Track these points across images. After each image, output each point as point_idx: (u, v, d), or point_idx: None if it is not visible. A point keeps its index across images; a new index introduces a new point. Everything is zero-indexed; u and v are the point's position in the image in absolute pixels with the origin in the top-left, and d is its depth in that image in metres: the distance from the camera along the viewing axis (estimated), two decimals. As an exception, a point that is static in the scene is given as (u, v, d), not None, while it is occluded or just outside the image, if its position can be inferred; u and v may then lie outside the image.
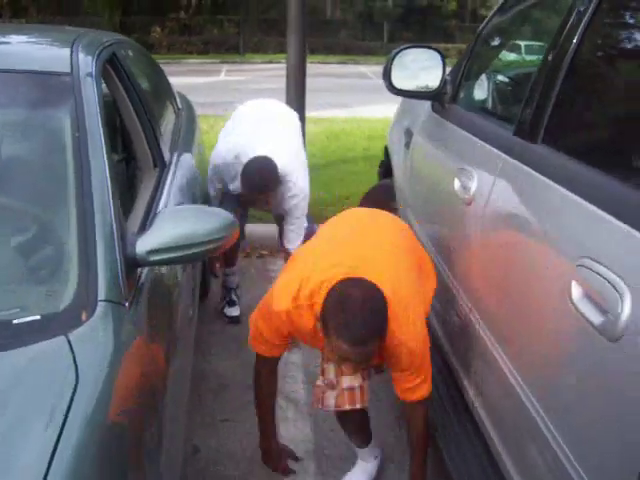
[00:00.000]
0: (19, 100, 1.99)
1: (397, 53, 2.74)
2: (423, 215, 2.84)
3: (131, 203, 2.27)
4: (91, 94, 1.98)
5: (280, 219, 3.79)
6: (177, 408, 1.89)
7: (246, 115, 3.74)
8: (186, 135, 3.48)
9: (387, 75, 2.72)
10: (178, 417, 1.91)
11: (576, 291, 1.39)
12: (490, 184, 2.00)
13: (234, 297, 3.89)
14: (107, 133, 1.92)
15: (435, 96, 2.79)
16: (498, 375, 1.82)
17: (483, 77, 2.74)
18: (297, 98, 6.30)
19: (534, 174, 1.74)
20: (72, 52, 2.13)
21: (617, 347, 1.24)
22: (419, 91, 2.81)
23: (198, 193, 3.27)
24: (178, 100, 3.89)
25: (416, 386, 2.18)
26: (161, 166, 2.60)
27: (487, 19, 2.77)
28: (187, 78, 17.22)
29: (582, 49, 1.74)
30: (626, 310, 1.21)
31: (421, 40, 27.32)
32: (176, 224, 1.75)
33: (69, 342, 1.39)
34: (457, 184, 2.27)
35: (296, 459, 2.68)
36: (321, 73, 18.81)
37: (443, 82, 2.75)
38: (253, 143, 3.33)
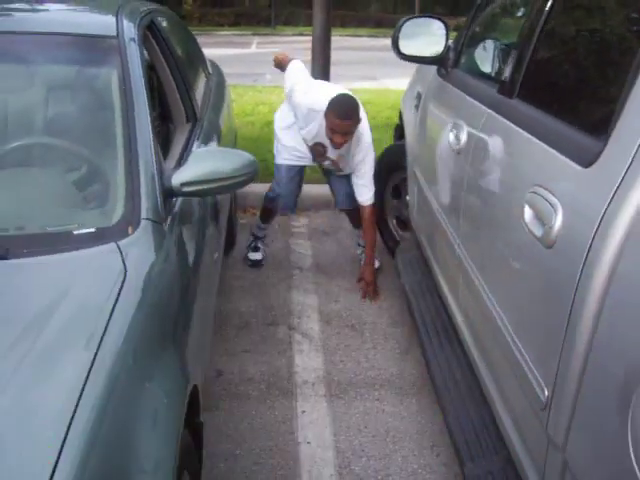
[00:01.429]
0: (74, 59, 2.34)
1: (404, 22, 3.04)
2: (426, 170, 3.16)
3: (168, 149, 2.62)
4: (134, 55, 2.32)
5: (335, 179, 4.04)
6: (203, 329, 2.24)
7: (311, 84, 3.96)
8: (216, 96, 3.83)
9: (395, 42, 3.03)
10: (204, 338, 2.27)
11: (527, 212, 1.71)
12: (475, 134, 2.32)
13: (259, 245, 4.24)
14: (148, 89, 2.26)
15: (439, 61, 3.10)
16: (475, 294, 2.15)
17: (481, 43, 3.04)
18: (322, 70, 6.60)
19: (506, 123, 2.05)
20: (117, 18, 2.47)
21: (551, 252, 1.57)
22: (424, 56, 3.12)
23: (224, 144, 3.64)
24: (209, 66, 4.23)
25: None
26: (193, 121, 2.95)
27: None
28: (218, 50, 17.54)
29: (551, 17, 2.04)
30: (558, 222, 1.54)
31: (452, 14, 27.28)
32: (205, 162, 2.10)
33: (118, 247, 1.75)
34: (451, 137, 2.58)
35: None
36: (351, 46, 19.01)
37: (447, 48, 3.05)
38: (326, 91, 3.63)
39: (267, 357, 3.27)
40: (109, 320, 1.49)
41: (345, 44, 19.42)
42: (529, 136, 1.86)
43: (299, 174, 4.05)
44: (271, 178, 5.39)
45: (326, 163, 3.89)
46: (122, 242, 1.78)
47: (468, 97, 2.59)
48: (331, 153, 3.74)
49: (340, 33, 23.33)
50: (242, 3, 29.27)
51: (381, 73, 13.39)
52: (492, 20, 3.19)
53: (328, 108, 3.44)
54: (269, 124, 7.40)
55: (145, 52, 2.84)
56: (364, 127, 3.66)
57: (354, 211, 3.98)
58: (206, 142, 2.85)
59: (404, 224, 4.24)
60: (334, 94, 3.53)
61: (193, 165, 2.09)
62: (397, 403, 2.96)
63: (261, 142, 6.63)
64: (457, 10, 27.97)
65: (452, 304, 2.61)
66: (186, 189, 2.06)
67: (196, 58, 4.01)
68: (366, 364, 3.25)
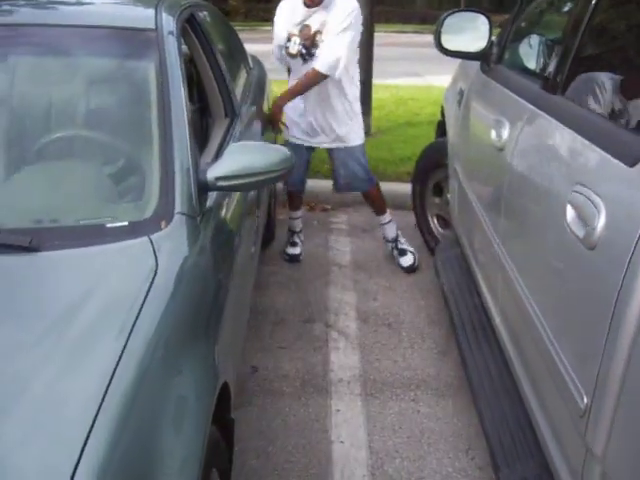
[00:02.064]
0: (113, 52, 2.34)
1: (447, 17, 2.99)
2: (467, 167, 3.10)
3: (205, 143, 2.61)
4: (173, 48, 2.31)
5: (336, 160, 4.00)
6: (238, 325, 2.23)
7: None
8: (256, 91, 3.81)
9: (437, 37, 2.98)
10: (238, 334, 2.26)
11: (569, 212, 1.66)
12: (518, 131, 2.26)
13: (296, 239, 4.24)
14: (186, 82, 2.25)
15: (482, 57, 3.03)
16: (515, 295, 2.10)
17: (525, 38, 2.97)
18: (365, 64, 6.55)
19: (550, 119, 1.99)
20: (156, 12, 2.46)
21: (594, 254, 1.51)
22: (467, 52, 3.06)
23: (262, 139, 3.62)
24: (250, 61, 4.21)
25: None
26: (231, 116, 2.93)
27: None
28: (262, 45, 17.55)
29: (597, 11, 1.97)
30: (601, 222, 1.48)
31: (498, 10, 26.90)
32: (241, 156, 2.08)
33: (151, 241, 1.74)
34: (493, 133, 2.52)
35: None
36: (395, 42, 18.89)
37: (490, 44, 2.98)
38: None
39: (302, 354, 3.25)
40: (139, 313, 1.48)
41: (389, 40, 19.29)
42: (572, 133, 1.80)
43: (307, 153, 4.00)
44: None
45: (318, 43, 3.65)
46: (154, 236, 1.76)
47: (511, 93, 2.53)
48: (313, 23, 3.62)
49: (385, 29, 23.21)
50: (288, -1, 29.23)
51: (425, 69, 13.27)
52: (537, 15, 3.12)
53: None
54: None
55: (185, 46, 2.85)
56: None
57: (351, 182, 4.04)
58: (244, 137, 2.83)
59: (445, 222, 4.18)
60: None
61: (228, 159, 2.07)
62: (433, 404, 2.91)
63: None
64: (503, 7, 27.60)
65: (491, 304, 2.55)
66: (221, 183, 2.04)
67: (237, 52, 4.00)
68: (403, 364, 3.20)
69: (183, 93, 2.18)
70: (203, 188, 2.03)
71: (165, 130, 2.04)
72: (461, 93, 3.49)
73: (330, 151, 3.98)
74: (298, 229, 4.29)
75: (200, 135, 2.89)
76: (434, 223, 4.27)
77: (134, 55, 2.33)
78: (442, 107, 4.19)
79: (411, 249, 4.14)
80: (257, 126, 3.23)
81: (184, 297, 1.68)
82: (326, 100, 3.72)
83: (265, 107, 3.87)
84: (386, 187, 5.24)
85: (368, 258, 4.31)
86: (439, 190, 4.23)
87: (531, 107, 2.21)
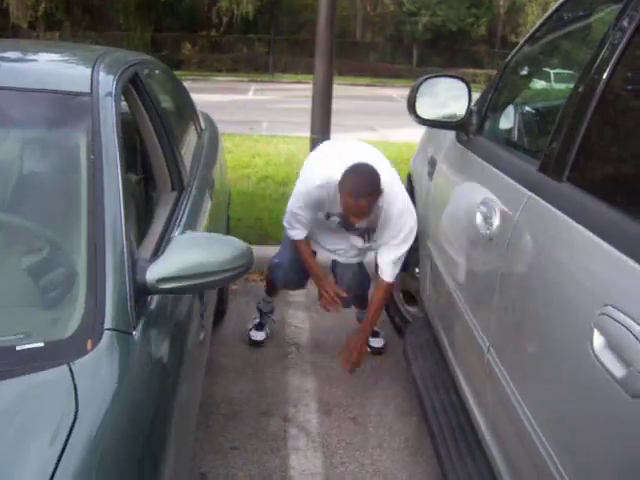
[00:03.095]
0: (37, 120, 1.97)
1: (422, 82, 2.70)
2: (443, 248, 2.79)
3: (146, 226, 2.24)
4: (109, 115, 1.95)
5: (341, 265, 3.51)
6: (183, 439, 1.84)
7: (327, 148, 3.46)
8: (208, 157, 3.46)
9: (412, 105, 2.68)
10: (184, 448, 1.86)
11: (598, 340, 1.33)
12: (512, 221, 1.95)
13: (265, 321, 3.83)
14: (124, 155, 1.89)
15: (460, 126, 2.75)
16: (514, 418, 1.76)
17: (509, 108, 2.69)
18: (322, 120, 6.28)
19: (558, 214, 1.68)
20: (93, 72, 2.11)
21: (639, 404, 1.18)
22: (444, 121, 2.77)
23: (218, 216, 3.25)
24: (201, 120, 3.87)
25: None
26: (179, 189, 2.57)
27: (516, 48, 2.72)
28: (215, 95, 17.39)
29: (614, 82, 1.69)
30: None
31: (450, 65, 27.39)
32: (188, 252, 1.71)
33: (71, 372, 1.35)
34: (479, 218, 2.21)
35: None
36: (349, 95, 18.89)
37: (469, 112, 2.70)
38: (342, 160, 2.97)
39: (258, 456, 2.85)
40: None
41: (344, 92, 19.28)
42: (592, 237, 1.48)
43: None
44: (267, 241, 5.04)
45: (357, 227, 3.22)
46: (77, 363, 1.38)
47: (498, 172, 2.23)
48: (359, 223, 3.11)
49: (339, 82, 23.29)
50: (240, 49, 29.32)
51: (379, 123, 13.19)
52: (527, 78, 2.85)
53: (340, 183, 2.89)
54: (265, 178, 7.09)
55: (127, 109, 2.50)
56: (392, 195, 3.01)
57: (360, 294, 3.59)
58: (192, 215, 2.47)
59: (412, 298, 3.86)
60: (350, 160, 2.94)
61: (173, 256, 1.70)
62: (408, 522, 2.54)
63: (257, 198, 6.30)
64: (454, 62, 28.09)
65: (477, 415, 2.21)
66: (164, 286, 1.67)
67: (187, 113, 3.66)
68: (370, 468, 2.83)
69: (119, 170, 1.81)
70: (142, 292, 1.66)
71: (95, 218, 1.67)
72: (432, 163, 3.20)
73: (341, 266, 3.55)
74: (268, 310, 3.85)
75: (143, 213, 2.52)
76: (400, 299, 3.94)
77: (64, 123, 1.97)
78: (409, 174, 3.89)
79: (380, 330, 3.79)
80: (207, 200, 2.87)
81: (111, 450, 1.29)
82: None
83: (218, 173, 3.51)
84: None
85: (329, 336, 3.94)
86: (405, 263, 3.90)
87: (528, 193, 1.91)
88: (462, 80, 2.72)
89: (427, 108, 2.71)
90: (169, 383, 1.69)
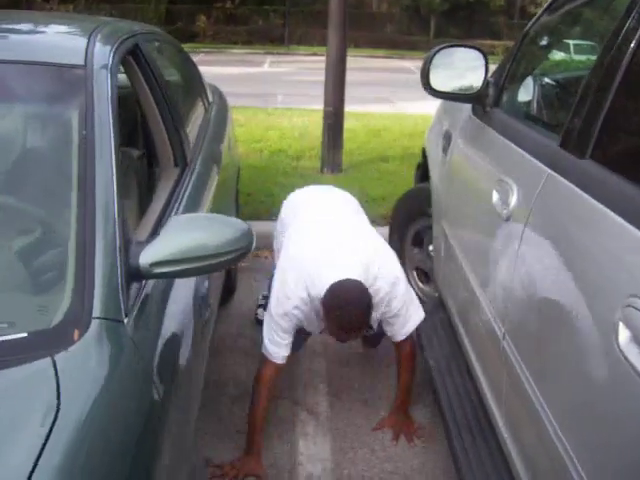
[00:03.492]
0: (27, 94, 1.87)
1: (436, 52, 2.56)
2: (458, 228, 2.67)
3: (146, 205, 2.15)
4: (104, 89, 1.84)
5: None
6: (182, 431, 1.75)
7: (301, 217, 2.96)
8: (215, 131, 3.34)
9: (425, 76, 2.55)
10: (183, 440, 1.78)
11: (623, 334, 1.22)
12: (531, 201, 1.83)
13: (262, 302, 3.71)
14: (120, 131, 1.79)
15: (476, 99, 2.61)
16: (530, 411, 1.65)
17: (528, 79, 2.55)
18: (336, 93, 6.17)
19: (580, 193, 1.56)
20: (89, 43, 2.00)
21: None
22: (459, 93, 2.64)
23: (224, 192, 3.14)
24: (209, 93, 3.75)
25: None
26: (182, 165, 2.47)
27: (535, 17, 2.58)
28: (230, 68, 17.20)
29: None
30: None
31: (468, 36, 26.93)
32: (184, 234, 1.61)
33: (54, 365, 1.26)
34: (495, 197, 2.10)
35: None
36: (365, 67, 18.63)
37: (485, 84, 2.57)
38: (321, 267, 2.52)
39: (266, 441, 2.76)
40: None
41: (361, 64, 19.07)
42: (617, 219, 1.37)
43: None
44: (275, 216, 4.95)
45: None
46: (61, 356, 1.29)
47: (516, 147, 2.10)
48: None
49: (355, 53, 22.99)
50: (256, 21, 28.98)
51: (396, 96, 12.98)
52: (546, 49, 2.70)
53: (325, 310, 2.47)
54: (278, 152, 6.97)
55: (130, 83, 2.40)
56: (384, 274, 2.60)
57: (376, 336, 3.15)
58: (195, 192, 2.36)
59: (426, 276, 3.75)
60: (330, 273, 2.47)
61: (167, 238, 1.60)
62: (419, 509, 2.46)
63: (268, 172, 6.18)
64: (472, 33, 27.62)
65: (491, 403, 2.11)
66: (158, 270, 1.57)
67: (193, 86, 3.54)
68: (382, 453, 2.74)
69: (113, 147, 1.71)
70: (135, 277, 1.57)
71: (85, 197, 1.58)
72: (447, 137, 3.06)
73: None
74: None
75: (142, 191, 2.42)
76: (413, 276, 3.83)
77: (55, 97, 1.87)
78: (424, 149, 3.76)
79: None
80: (213, 176, 2.76)
81: (99, 448, 1.20)
82: None
83: (225, 148, 3.39)
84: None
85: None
86: (419, 240, 3.80)
87: (548, 171, 1.78)
88: (478, 50, 2.58)
89: (441, 80, 2.58)
90: (165, 373, 1.60)
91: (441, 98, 2.72)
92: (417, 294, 3.76)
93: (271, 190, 5.62)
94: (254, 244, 1.70)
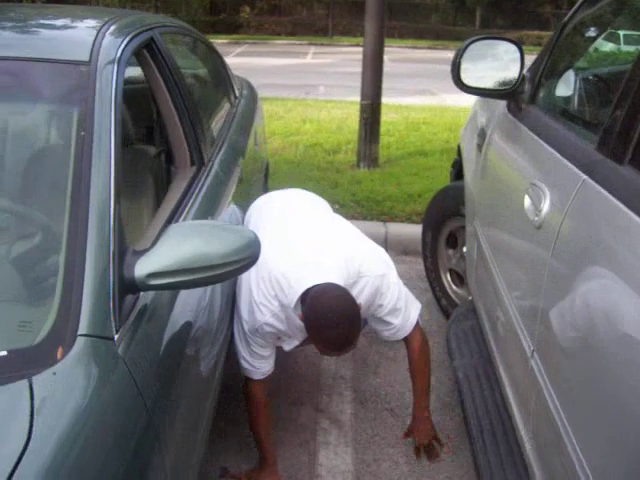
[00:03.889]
0: (27, 93, 1.77)
1: (468, 45, 2.40)
2: (490, 231, 2.51)
3: (155, 208, 2.05)
4: (108, 87, 1.74)
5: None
6: (186, 455, 1.65)
7: (264, 217, 2.67)
8: (240, 127, 3.23)
9: (455, 70, 2.40)
10: (187, 465, 1.67)
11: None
12: (564, 209, 1.67)
13: None
14: (121, 132, 1.69)
15: (510, 95, 2.45)
16: (557, 441, 1.51)
17: (568, 74, 2.38)
18: (373, 85, 6.02)
19: (616, 203, 1.40)
20: (97, 38, 1.90)
21: None
22: (492, 89, 2.47)
23: (248, 191, 3.03)
24: (236, 87, 3.63)
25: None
26: (199, 164, 2.37)
27: (576, 5, 2.40)
28: (273, 59, 17.08)
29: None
30: None
31: (514, 27, 26.43)
32: (185, 242, 1.50)
33: (31, 389, 1.17)
34: (527, 202, 1.94)
35: None
36: (408, 58, 18.38)
37: (521, 79, 2.41)
38: (290, 270, 2.23)
39: (285, 450, 2.66)
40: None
41: (404, 55, 18.86)
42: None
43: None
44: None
45: None
46: (39, 377, 1.19)
47: (551, 149, 1.94)
48: None
49: (399, 44, 22.72)
50: (299, 12, 28.87)
51: (439, 87, 12.73)
52: (590, 40, 2.51)
53: (308, 332, 2.18)
54: (314, 146, 6.85)
55: (145, 78, 2.30)
56: (363, 271, 2.33)
57: None
58: (211, 193, 2.26)
59: (460, 278, 3.60)
60: (302, 276, 2.18)
61: (167, 247, 1.49)
62: (443, 531, 2.33)
63: (303, 167, 6.08)
64: (519, 24, 27.10)
65: (519, 423, 1.96)
66: (155, 282, 1.46)
67: (218, 80, 3.43)
68: (405, 467, 2.61)
69: (112, 149, 1.61)
70: (128, 289, 1.46)
71: (78, 202, 1.48)
72: (482, 135, 2.90)
73: None
74: None
75: (153, 192, 2.32)
76: (447, 279, 3.69)
77: (55, 96, 1.76)
78: (458, 146, 3.60)
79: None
80: (233, 175, 2.65)
81: None
82: None
83: (251, 145, 3.28)
84: (393, 229, 4.71)
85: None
86: (454, 240, 3.65)
87: (584, 177, 1.63)
88: (514, 42, 2.42)
89: (473, 74, 2.42)
90: (163, 397, 1.49)
91: (473, 94, 2.56)
92: (451, 297, 3.65)
93: (306, 185, 5.49)
94: (259, 254, 1.58)
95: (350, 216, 4.84)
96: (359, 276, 2.32)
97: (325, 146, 6.85)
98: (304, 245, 2.35)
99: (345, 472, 2.57)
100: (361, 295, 2.32)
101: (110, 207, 1.50)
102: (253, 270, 2.04)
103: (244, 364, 2.40)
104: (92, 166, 1.54)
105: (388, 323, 2.49)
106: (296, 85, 12.38)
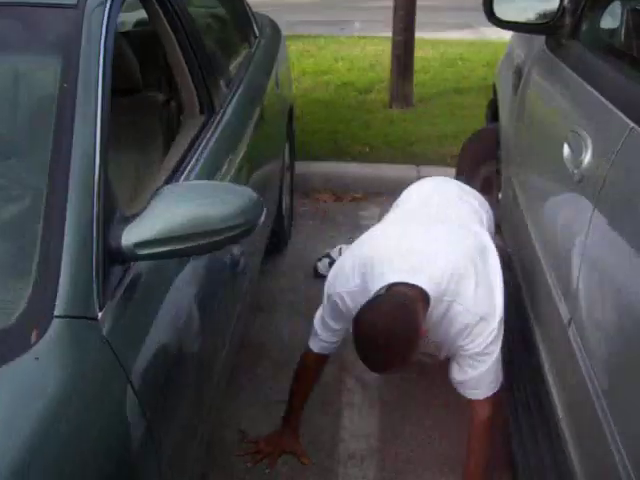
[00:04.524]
0: (11, 39, 1.61)
1: (502, -26, 2.17)
2: (525, 180, 2.31)
3: (159, 165, 1.89)
4: (96, 33, 1.57)
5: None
6: (185, 444, 1.53)
7: (407, 203, 2.49)
8: (258, 69, 3.03)
9: (488, 3, 2.17)
10: (186, 453, 1.56)
11: None
12: (608, 161, 1.47)
13: (334, 255, 3.35)
14: (110, 83, 1.52)
15: (549, 29, 2.22)
16: (595, 424, 1.35)
17: (614, 4, 2.14)
18: (406, 20, 5.70)
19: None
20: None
21: None
22: (529, 23, 2.25)
23: (266, 138, 2.86)
24: (255, 27, 3.41)
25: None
26: (209, 112, 2.19)
27: None
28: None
29: None
30: None
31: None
32: (178, 206, 1.35)
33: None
34: (566, 151, 1.74)
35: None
36: (446, -11, 17.66)
37: (561, 11, 2.17)
38: (388, 258, 1.99)
39: (307, 411, 2.53)
40: None
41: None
42: None
43: None
44: (342, 156, 4.68)
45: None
46: (9, 366, 1.07)
47: (595, 92, 1.73)
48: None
49: (436, -26, 21.85)
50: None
51: (479, 20, 12.13)
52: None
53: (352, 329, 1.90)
54: (345, 85, 6.60)
55: (149, 20, 2.13)
56: (461, 291, 1.96)
57: None
58: (219, 146, 2.09)
59: (496, 227, 3.40)
60: (393, 269, 1.94)
61: (155, 213, 1.34)
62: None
63: (333, 108, 5.83)
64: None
65: (556, 399, 1.80)
66: (144, 251, 1.32)
67: (234, 21, 3.21)
68: (436, 431, 2.48)
69: (99, 102, 1.44)
70: (115, 260, 1.32)
71: (57, 162, 1.32)
72: (518, 73, 2.67)
73: None
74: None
75: (165, 142, 2.17)
76: (482, 227, 3.49)
77: (39, 45, 1.60)
78: (493, 85, 3.37)
79: None
80: (247, 122, 2.47)
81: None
82: None
83: (270, 89, 3.08)
84: (426, 172, 4.49)
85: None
86: (489, 185, 3.44)
87: (632, 124, 1.42)
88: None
89: (508, 7, 2.19)
90: (155, 384, 1.35)
91: (507, 29, 2.33)
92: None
93: (336, 127, 5.31)
94: (263, 217, 1.42)
95: (377, 160, 4.65)
96: (456, 301, 1.96)
97: (357, 85, 6.59)
98: (421, 241, 2.08)
99: (369, 435, 2.45)
100: (442, 321, 1.98)
101: (95, 165, 1.35)
102: (362, 241, 2.17)
103: (313, 327, 2.25)
104: (75, 120, 1.38)
105: (461, 367, 2.10)
106: (330, 21, 11.95)
